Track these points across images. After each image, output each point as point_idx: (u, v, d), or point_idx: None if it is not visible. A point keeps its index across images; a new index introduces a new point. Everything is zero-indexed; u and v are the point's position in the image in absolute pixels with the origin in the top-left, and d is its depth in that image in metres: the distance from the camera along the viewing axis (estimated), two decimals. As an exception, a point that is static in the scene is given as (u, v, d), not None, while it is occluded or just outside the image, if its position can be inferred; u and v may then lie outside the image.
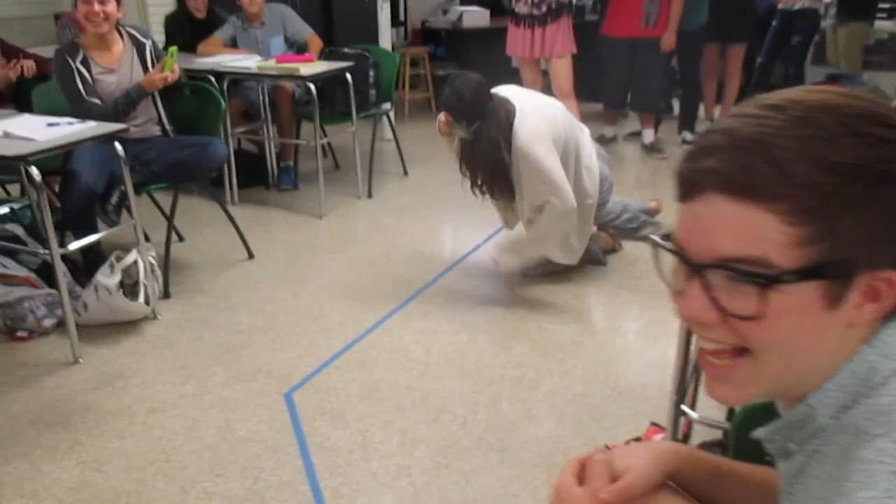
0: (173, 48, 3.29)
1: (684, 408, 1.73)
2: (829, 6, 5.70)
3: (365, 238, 3.91)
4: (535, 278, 3.32)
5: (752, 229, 0.61)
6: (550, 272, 3.34)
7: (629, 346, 2.81)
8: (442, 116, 3.06)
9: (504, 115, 2.93)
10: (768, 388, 0.69)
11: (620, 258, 3.56)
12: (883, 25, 5.85)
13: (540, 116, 2.97)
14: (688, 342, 1.65)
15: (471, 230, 3.98)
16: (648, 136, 5.32)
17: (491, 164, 2.95)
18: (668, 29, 4.79)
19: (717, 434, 1.99)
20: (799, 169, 0.59)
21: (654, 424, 2.25)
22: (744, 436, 1.06)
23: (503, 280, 3.39)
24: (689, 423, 1.90)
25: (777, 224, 0.60)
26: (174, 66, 3.23)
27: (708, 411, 1.92)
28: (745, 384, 0.68)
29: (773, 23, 5.63)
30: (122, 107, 3.20)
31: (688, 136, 5.44)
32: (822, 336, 0.63)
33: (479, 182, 3.07)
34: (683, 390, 1.68)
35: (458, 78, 2.97)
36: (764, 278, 0.61)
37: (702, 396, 1.87)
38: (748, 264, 0.62)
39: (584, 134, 3.19)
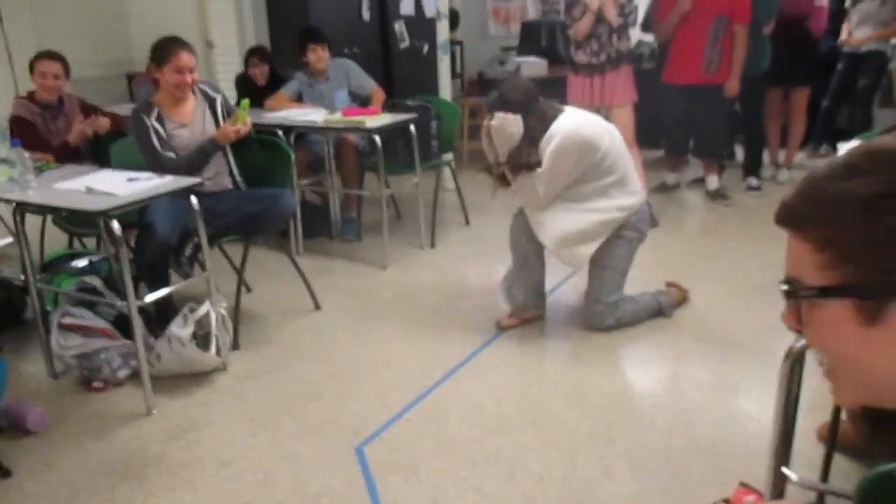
0: (245, 101, 3.39)
1: (786, 470, 1.64)
2: (895, 48, 5.58)
3: (429, 288, 3.90)
4: (607, 330, 3.24)
5: (795, 255, 0.74)
6: (626, 323, 3.27)
7: (707, 400, 2.71)
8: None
9: (548, 115, 3.05)
10: (863, 395, 0.76)
11: (692, 310, 3.47)
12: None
13: (589, 122, 3.06)
14: (789, 398, 1.57)
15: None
16: (713, 182, 5.22)
17: (516, 153, 3.08)
18: (731, 75, 4.74)
19: (811, 496, 1.89)
20: (822, 203, 0.70)
21: (743, 485, 2.14)
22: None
23: (572, 330, 3.32)
24: (785, 483, 1.80)
25: (808, 251, 0.72)
26: (246, 118, 3.32)
27: (802, 472, 1.82)
28: (840, 388, 0.78)
29: (839, 66, 5.53)
30: (196, 160, 3.29)
31: (753, 182, 5.33)
32: (874, 350, 0.70)
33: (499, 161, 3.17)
34: (785, 451, 1.59)
35: (513, 76, 3.03)
36: (796, 294, 0.74)
37: (796, 455, 1.77)
38: (792, 283, 0.75)
39: (630, 165, 3.19)
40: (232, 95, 4.98)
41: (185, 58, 3.25)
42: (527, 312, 3.39)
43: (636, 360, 3.07)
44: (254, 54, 5.14)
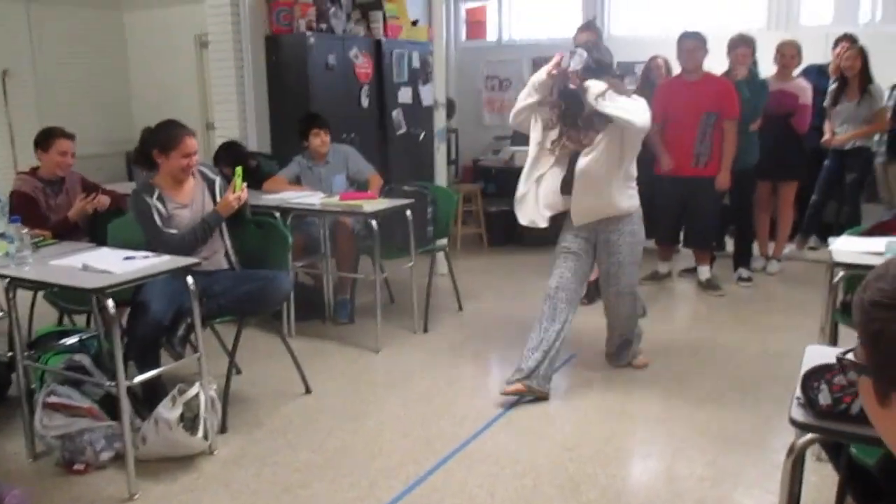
0: (238, 168, 3.45)
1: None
2: (878, 145, 5.75)
3: (422, 373, 3.86)
4: (598, 424, 3.20)
5: None
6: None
7: (706, 496, 2.65)
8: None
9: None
10: None
11: (688, 401, 3.43)
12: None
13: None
14: (791, 496, 1.54)
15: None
16: (704, 272, 5.27)
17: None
18: (721, 168, 4.87)
19: None
20: (855, 302, 0.87)
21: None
22: None
23: (567, 419, 3.28)
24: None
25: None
26: (243, 186, 3.37)
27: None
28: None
29: (826, 162, 5.68)
30: (199, 233, 3.32)
31: (744, 273, 5.39)
32: (884, 426, 0.83)
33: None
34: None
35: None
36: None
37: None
38: (849, 353, 0.91)
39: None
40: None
41: (190, 143, 3.32)
42: (535, 384, 3.41)
43: (632, 451, 3.02)
44: (221, 150, 5.12)
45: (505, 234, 6.74)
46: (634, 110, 3.23)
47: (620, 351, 3.80)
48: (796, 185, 5.51)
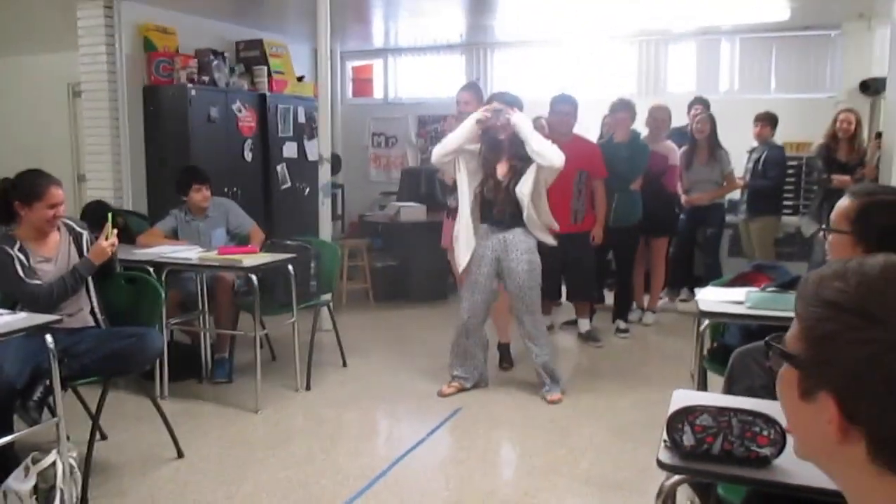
0: (109, 213, 3.32)
1: None
2: (739, 203, 6.18)
3: (303, 433, 3.74)
4: (481, 478, 3.19)
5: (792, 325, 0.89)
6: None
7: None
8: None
9: None
10: (803, 454, 0.88)
11: (569, 450, 3.48)
12: (789, 220, 6.35)
13: None
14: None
15: (414, 422, 3.87)
16: (584, 325, 5.43)
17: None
18: (597, 223, 5.09)
19: None
20: (802, 292, 0.87)
21: None
22: None
23: (451, 473, 3.24)
24: None
25: (795, 323, 0.86)
26: (114, 232, 3.26)
27: None
28: (795, 443, 0.89)
29: (681, 216, 6.02)
30: (69, 283, 3.14)
31: (621, 324, 5.59)
32: (806, 425, 0.83)
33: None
34: None
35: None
36: (770, 346, 0.89)
37: None
38: (776, 338, 0.90)
39: None
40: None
41: (56, 194, 3.15)
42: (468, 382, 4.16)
43: (515, 503, 3.01)
44: (88, 211, 4.97)
45: (391, 289, 6.72)
46: (553, 152, 3.97)
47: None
48: (667, 240, 5.83)
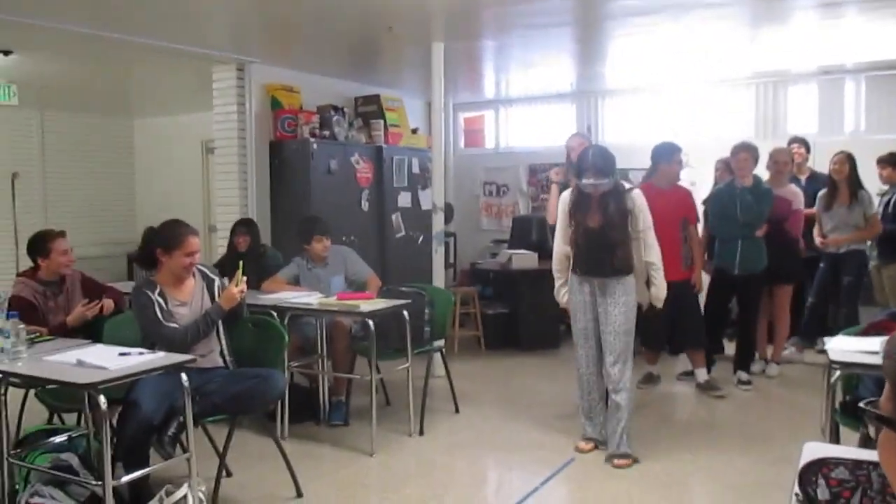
0: (240, 262, 3.55)
1: None
2: (871, 249, 5.83)
3: (417, 477, 3.77)
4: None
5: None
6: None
7: None
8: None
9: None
10: None
11: (689, 505, 3.33)
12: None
13: None
14: None
15: (526, 472, 3.82)
16: (702, 374, 5.22)
17: (617, 214, 3.79)
18: (695, 268, 5.02)
19: None
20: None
21: None
22: None
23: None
24: None
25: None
26: (243, 279, 3.44)
27: None
28: None
29: (821, 265, 5.74)
30: (202, 327, 3.35)
31: (743, 376, 5.34)
32: None
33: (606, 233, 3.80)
34: None
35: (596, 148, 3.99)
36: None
37: None
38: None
39: None
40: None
41: (193, 242, 3.40)
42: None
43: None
44: (241, 225, 5.51)
45: (502, 336, 6.72)
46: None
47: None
48: (791, 288, 5.55)
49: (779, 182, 5.42)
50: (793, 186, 5.50)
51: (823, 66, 6.76)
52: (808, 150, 6.09)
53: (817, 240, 5.68)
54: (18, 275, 4.17)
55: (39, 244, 4.02)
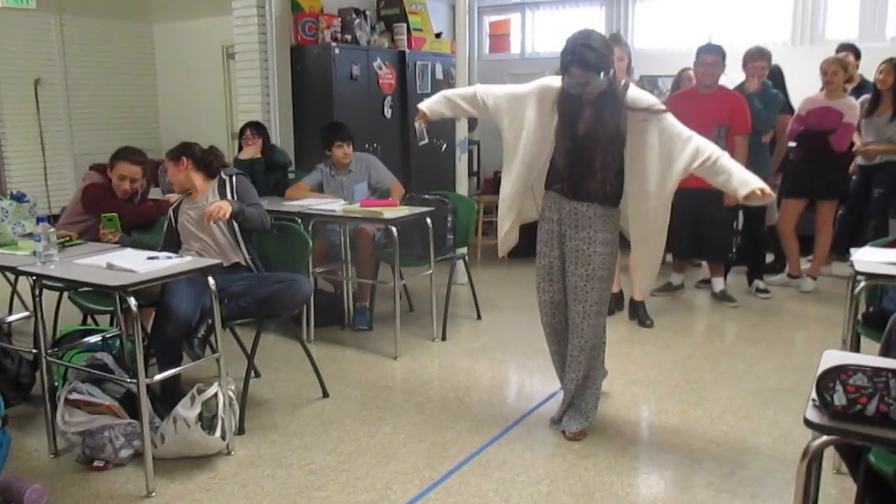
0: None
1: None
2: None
3: (439, 380, 3.87)
4: (615, 435, 3.18)
5: None
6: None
7: (723, 506, 2.63)
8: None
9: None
10: None
11: (704, 412, 3.41)
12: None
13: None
14: (806, 498, 1.53)
15: (546, 376, 3.90)
16: (718, 284, 5.25)
17: (612, 127, 2.88)
18: None
19: None
20: None
21: None
22: None
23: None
24: None
25: None
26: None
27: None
28: None
29: (854, 177, 5.61)
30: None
31: (760, 284, 5.35)
32: None
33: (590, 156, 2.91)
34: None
35: (582, 34, 2.88)
36: None
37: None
38: None
39: None
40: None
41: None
42: None
43: (648, 461, 2.99)
44: (251, 127, 5.20)
45: (524, 245, 6.71)
46: None
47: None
48: (835, 204, 5.43)
49: (831, 93, 5.22)
50: (850, 99, 5.26)
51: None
52: (857, 56, 5.82)
53: (857, 145, 5.51)
54: (91, 167, 4.11)
55: (113, 156, 3.89)
